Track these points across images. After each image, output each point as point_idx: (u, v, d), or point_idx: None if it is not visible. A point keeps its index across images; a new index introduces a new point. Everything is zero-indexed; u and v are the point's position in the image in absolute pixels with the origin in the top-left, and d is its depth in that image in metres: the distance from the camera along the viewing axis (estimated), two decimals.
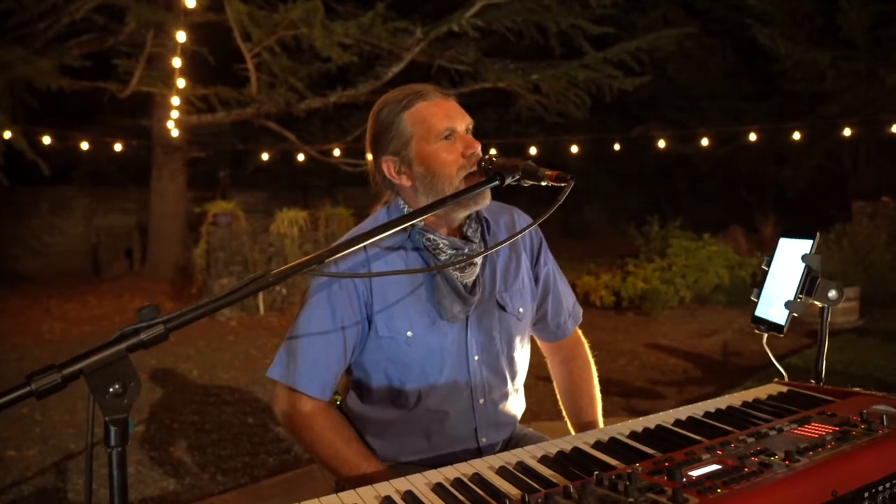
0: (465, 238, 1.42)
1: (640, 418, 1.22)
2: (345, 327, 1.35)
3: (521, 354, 1.52)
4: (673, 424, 1.17)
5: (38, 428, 4.06)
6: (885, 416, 1.05)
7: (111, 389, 0.69)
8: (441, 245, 1.37)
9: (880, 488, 0.93)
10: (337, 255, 1.01)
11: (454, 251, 1.38)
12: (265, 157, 12.07)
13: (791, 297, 1.32)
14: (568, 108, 10.41)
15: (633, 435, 1.16)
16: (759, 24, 11.79)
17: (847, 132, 10.50)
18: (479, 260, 1.41)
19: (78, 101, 10.84)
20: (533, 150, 10.72)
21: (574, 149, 11.95)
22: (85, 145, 10.04)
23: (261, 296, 8.30)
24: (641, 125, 13.71)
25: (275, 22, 8.01)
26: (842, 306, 7.04)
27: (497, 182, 1.19)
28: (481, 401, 1.43)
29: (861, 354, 5.57)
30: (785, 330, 1.33)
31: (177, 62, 7.73)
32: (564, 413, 1.63)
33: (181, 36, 7.25)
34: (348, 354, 1.37)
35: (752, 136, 11.23)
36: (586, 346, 1.68)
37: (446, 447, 1.42)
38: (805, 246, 1.33)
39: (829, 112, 11.97)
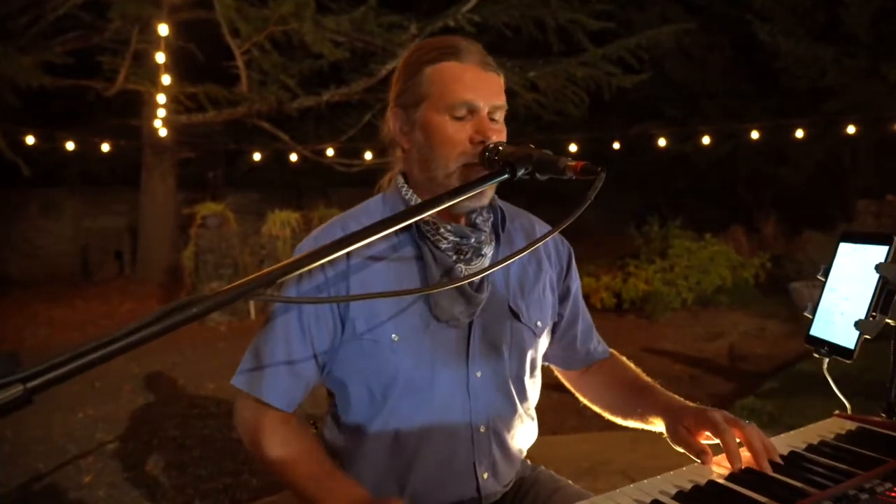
0: (473, 226, 1.16)
1: (685, 469, 0.97)
2: (313, 331, 1.12)
3: (533, 379, 1.27)
4: (728, 479, 0.93)
5: (7, 446, 3.81)
6: None
7: None
8: (443, 231, 1.13)
9: None
10: (329, 258, 0.79)
11: (459, 239, 1.13)
12: (257, 157, 11.83)
13: (862, 316, 1.09)
14: (566, 106, 10.24)
15: (734, 478, 0.91)
16: (759, 21, 11.63)
17: (849, 129, 10.33)
18: (488, 252, 1.17)
19: (64, 101, 10.61)
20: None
21: (572, 147, 11.74)
22: (71, 145, 9.79)
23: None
24: (640, 124, 13.51)
25: (264, 17, 7.79)
26: None
27: (507, 175, 0.95)
28: (482, 429, 1.17)
29: (879, 360, 5.35)
30: (855, 355, 1.10)
31: (160, 57, 7.48)
32: (615, 412, 1.31)
33: (163, 29, 7.01)
34: (319, 361, 1.14)
35: (753, 134, 11.06)
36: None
37: (437, 487, 1.16)
38: (878, 253, 1.10)
39: (830, 109, 11.81)
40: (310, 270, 1.04)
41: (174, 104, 9.26)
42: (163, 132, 9.56)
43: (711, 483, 0.89)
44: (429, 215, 1.00)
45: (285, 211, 8.63)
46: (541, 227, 1.32)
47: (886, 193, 10.29)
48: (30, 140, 8.97)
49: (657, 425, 1.17)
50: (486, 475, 1.18)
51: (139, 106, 10.31)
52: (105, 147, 9.92)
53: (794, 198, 14.33)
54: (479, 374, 1.15)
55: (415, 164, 1.16)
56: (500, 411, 1.19)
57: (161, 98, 8.56)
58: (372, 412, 1.14)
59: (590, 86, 9.84)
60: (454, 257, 1.14)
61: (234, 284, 0.66)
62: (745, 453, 0.98)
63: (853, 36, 11.36)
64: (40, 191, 12.38)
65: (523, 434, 1.26)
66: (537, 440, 1.32)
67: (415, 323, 1.11)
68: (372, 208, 1.21)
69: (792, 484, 0.89)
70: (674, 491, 0.88)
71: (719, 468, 0.96)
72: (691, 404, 1.13)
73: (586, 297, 8.48)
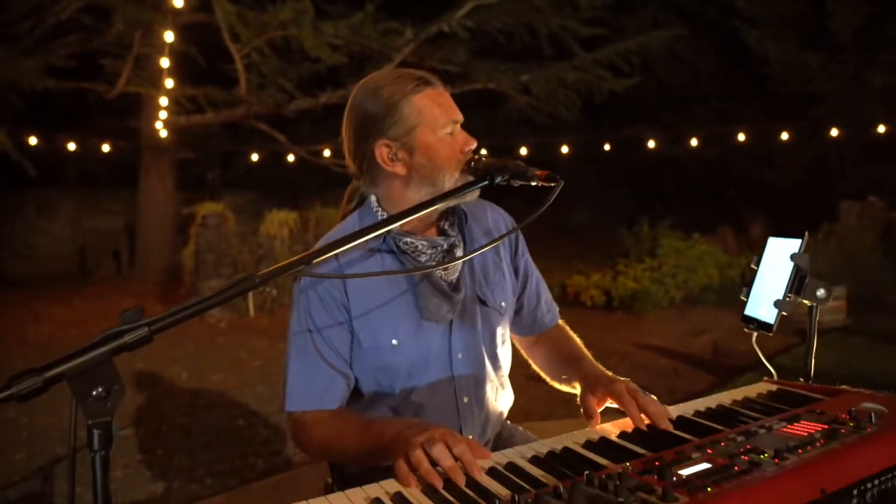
0: (442, 233, 1.38)
1: (588, 429, 1.22)
2: (330, 336, 1.32)
3: (504, 350, 1.50)
4: (619, 437, 1.17)
5: (24, 432, 4.02)
6: (872, 414, 1.05)
7: (94, 393, 0.68)
8: (420, 247, 1.33)
9: (869, 485, 0.94)
10: (325, 256, 1.00)
11: (433, 250, 1.34)
12: (255, 158, 12.01)
13: (780, 297, 1.32)
14: (558, 109, 10.44)
15: (624, 435, 1.15)
16: (747, 26, 11.89)
17: (834, 133, 10.60)
18: (459, 253, 1.38)
19: (65, 103, 10.75)
20: (523, 151, 10.75)
21: (564, 149, 11.98)
22: (72, 146, 9.96)
23: (250, 297, 8.25)
24: (631, 126, 13.76)
25: (264, 22, 7.98)
26: (829, 305, 7.08)
27: (487, 182, 1.18)
28: (465, 399, 1.39)
29: (848, 353, 5.62)
30: (774, 329, 1.33)
31: (165, 62, 7.68)
32: (553, 378, 1.54)
33: (169, 36, 7.21)
34: (346, 360, 1.33)
35: (741, 137, 11.32)
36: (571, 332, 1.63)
37: None
38: (794, 245, 1.33)
39: (818, 114, 12.09)
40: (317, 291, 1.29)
41: (174, 106, 9.44)
42: (163, 133, 9.74)
43: (603, 439, 1.14)
44: (407, 234, 1.27)
45: (283, 211, 8.81)
46: (492, 211, 1.54)
47: (870, 196, 10.56)
48: (32, 141, 9.14)
49: (577, 390, 1.40)
50: (471, 436, 1.41)
51: (138, 108, 10.48)
52: (105, 148, 10.10)
53: (783, 200, 14.62)
54: (460, 355, 1.39)
55: (414, 183, 1.31)
56: (479, 382, 1.42)
57: (163, 101, 8.75)
58: (379, 394, 1.38)
59: (581, 89, 10.05)
60: (434, 266, 1.35)
61: (283, 263, 0.88)
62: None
63: (839, 43, 11.64)
64: (38, 191, 12.44)
65: (501, 399, 1.50)
66: (528, 426, 1.56)
67: (409, 327, 1.33)
68: (349, 226, 1.41)
69: (711, 426, 1.13)
70: (583, 441, 1.13)
71: (619, 428, 1.19)
72: (608, 375, 1.36)
73: (576, 296, 8.66)
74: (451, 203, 1.29)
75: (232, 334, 7.13)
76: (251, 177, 13.98)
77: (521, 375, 1.57)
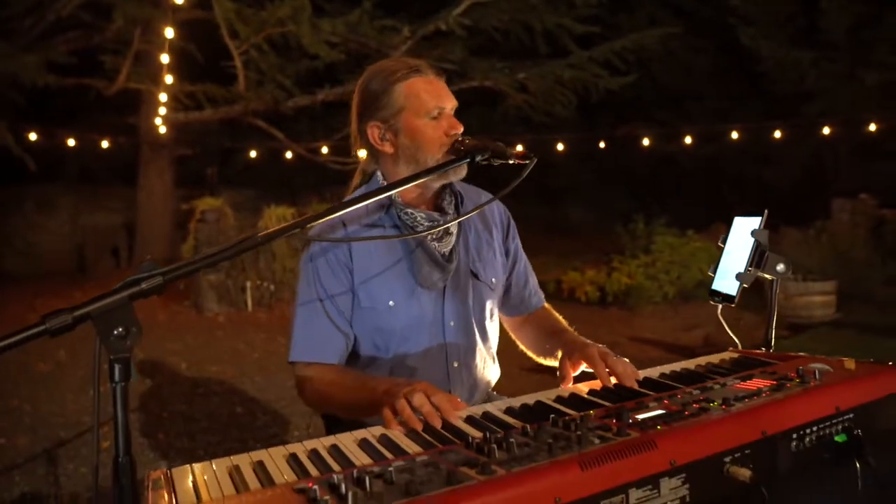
0: (440, 210, 1.50)
1: (562, 387, 1.33)
2: (334, 296, 1.43)
3: (492, 324, 1.62)
4: (588, 393, 1.27)
5: (27, 418, 4.11)
6: (817, 371, 1.16)
7: (115, 332, 0.78)
8: (419, 218, 1.45)
9: (808, 431, 1.04)
10: (325, 219, 1.10)
11: (431, 223, 1.46)
12: (253, 155, 12.10)
13: (741, 270, 1.42)
14: (554, 107, 10.52)
15: (593, 392, 1.26)
16: (742, 25, 11.99)
17: (827, 131, 10.71)
18: (454, 230, 1.50)
19: (65, 99, 10.81)
20: (519, 149, 10.81)
21: (560, 147, 12.08)
22: (72, 142, 10.03)
23: (248, 292, 8.36)
24: (627, 124, 13.88)
25: (262, 19, 8.06)
26: (820, 300, 7.21)
27: (468, 160, 1.28)
28: (455, 364, 1.51)
29: (838, 347, 5.73)
30: (736, 300, 1.44)
31: (165, 58, 7.76)
32: (538, 354, 1.63)
33: (169, 32, 7.29)
34: (347, 320, 1.45)
35: (735, 135, 11.42)
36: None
37: None
38: (754, 222, 1.44)
39: (811, 112, 12.21)
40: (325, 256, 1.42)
41: (173, 102, 9.52)
42: (162, 129, 9.82)
43: (573, 394, 1.26)
44: (408, 206, 1.41)
45: (281, 207, 8.89)
46: (485, 196, 1.65)
47: (862, 194, 10.67)
48: (32, 137, 9.22)
49: (559, 358, 1.51)
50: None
51: (137, 104, 10.56)
52: (104, 144, 10.18)
53: (778, 197, 14.75)
54: (451, 323, 1.51)
55: (401, 163, 1.44)
56: (468, 350, 1.54)
57: (163, 97, 8.83)
58: (375, 357, 1.49)
59: (577, 87, 10.13)
60: (428, 236, 1.47)
61: (280, 226, 0.98)
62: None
63: (831, 41, 11.75)
64: (37, 188, 12.49)
65: (488, 370, 1.61)
66: None
67: (404, 291, 1.46)
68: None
69: (674, 385, 1.23)
70: (554, 396, 1.24)
71: (590, 388, 1.30)
72: (586, 341, 1.47)
73: (571, 291, 8.73)
74: (442, 180, 1.42)
75: (230, 328, 7.22)
76: (249, 174, 14.05)
77: (515, 366, 1.67)
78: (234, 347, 6.23)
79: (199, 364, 5.58)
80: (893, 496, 1.07)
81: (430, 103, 1.41)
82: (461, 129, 1.43)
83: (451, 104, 1.44)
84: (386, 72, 1.44)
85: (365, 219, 1.46)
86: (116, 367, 0.77)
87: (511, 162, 1.26)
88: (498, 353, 1.66)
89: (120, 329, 0.78)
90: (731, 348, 1.54)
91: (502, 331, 1.74)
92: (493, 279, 1.58)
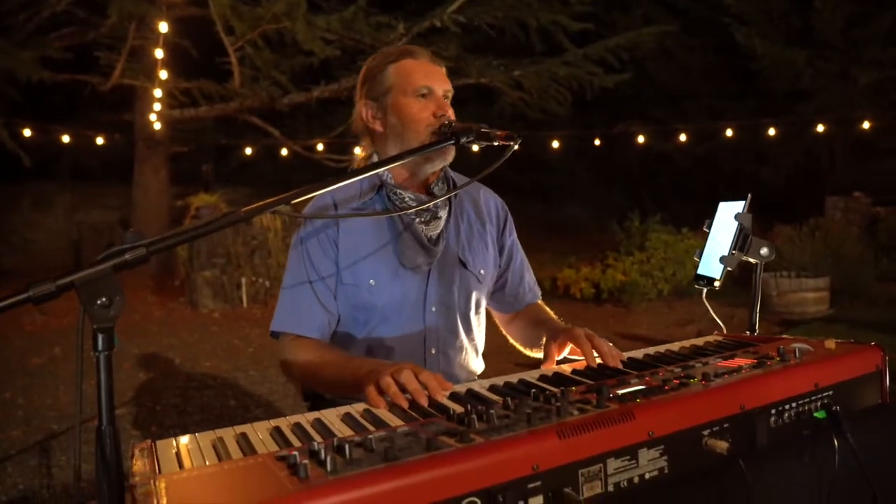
0: (430, 194, 1.50)
1: (544, 368, 1.35)
2: (324, 278, 1.44)
3: (478, 316, 1.60)
4: (572, 372, 1.29)
5: (21, 411, 4.11)
6: (797, 350, 1.17)
7: (98, 302, 0.79)
8: (407, 199, 1.46)
9: (786, 407, 1.05)
10: (311, 195, 1.11)
11: (419, 204, 1.46)
12: (249, 152, 12.09)
13: (725, 253, 1.44)
14: (550, 104, 10.54)
15: (576, 371, 1.27)
16: (736, 24, 12.03)
17: (821, 129, 10.76)
18: (443, 215, 1.50)
19: (60, 95, 10.80)
20: (515, 147, 10.85)
21: (556, 144, 12.11)
22: (67, 139, 10.02)
23: (244, 288, 8.37)
24: (623, 122, 13.92)
25: (258, 15, 8.06)
26: (813, 296, 7.26)
27: (453, 141, 1.29)
28: (433, 350, 1.50)
29: None
30: (718, 283, 1.45)
31: (159, 53, 7.75)
32: (527, 345, 1.64)
33: (163, 27, 7.28)
34: (334, 300, 1.46)
35: (729, 133, 11.46)
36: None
37: None
38: (738, 206, 1.45)
39: (805, 110, 12.25)
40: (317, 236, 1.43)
41: (168, 99, 9.50)
42: (157, 126, 9.81)
43: (556, 373, 1.27)
44: (398, 187, 1.43)
45: None
46: (485, 192, 1.67)
47: (855, 192, 10.74)
48: (27, 133, 9.20)
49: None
50: None
51: (132, 101, 10.54)
52: (100, 140, 10.16)
53: (773, 195, 14.81)
54: (433, 308, 1.50)
55: (390, 142, 1.46)
56: (447, 338, 1.53)
57: (157, 93, 8.82)
58: (356, 331, 1.49)
59: (573, 85, 10.15)
60: (415, 218, 1.48)
61: (266, 201, 0.99)
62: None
63: (825, 40, 11.80)
64: (32, 184, 12.50)
65: (469, 362, 1.60)
66: None
67: (387, 271, 1.46)
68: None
69: (658, 365, 1.24)
70: (538, 376, 1.26)
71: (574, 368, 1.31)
72: (572, 326, 1.47)
73: (567, 288, 8.75)
74: (429, 163, 1.43)
75: (225, 324, 7.22)
76: (245, 171, 14.05)
77: (508, 362, 1.66)
78: (229, 343, 6.23)
79: (194, 359, 5.59)
80: (870, 472, 1.08)
81: (418, 81, 1.44)
82: (450, 113, 1.43)
83: (442, 87, 1.46)
84: (383, 54, 1.51)
85: (356, 201, 1.47)
86: (100, 337, 0.78)
87: (495, 143, 1.27)
88: (491, 350, 1.65)
89: (104, 299, 0.79)
90: (716, 332, 1.55)
91: (497, 327, 1.74)
92: (482, 271, 1.57)
